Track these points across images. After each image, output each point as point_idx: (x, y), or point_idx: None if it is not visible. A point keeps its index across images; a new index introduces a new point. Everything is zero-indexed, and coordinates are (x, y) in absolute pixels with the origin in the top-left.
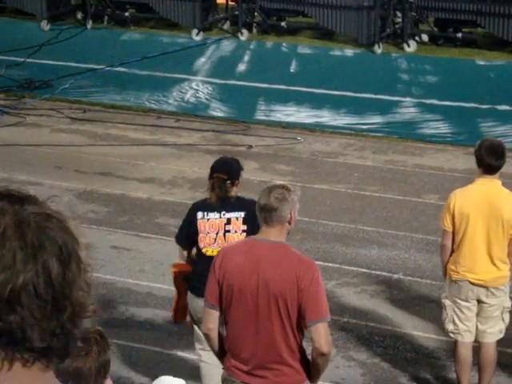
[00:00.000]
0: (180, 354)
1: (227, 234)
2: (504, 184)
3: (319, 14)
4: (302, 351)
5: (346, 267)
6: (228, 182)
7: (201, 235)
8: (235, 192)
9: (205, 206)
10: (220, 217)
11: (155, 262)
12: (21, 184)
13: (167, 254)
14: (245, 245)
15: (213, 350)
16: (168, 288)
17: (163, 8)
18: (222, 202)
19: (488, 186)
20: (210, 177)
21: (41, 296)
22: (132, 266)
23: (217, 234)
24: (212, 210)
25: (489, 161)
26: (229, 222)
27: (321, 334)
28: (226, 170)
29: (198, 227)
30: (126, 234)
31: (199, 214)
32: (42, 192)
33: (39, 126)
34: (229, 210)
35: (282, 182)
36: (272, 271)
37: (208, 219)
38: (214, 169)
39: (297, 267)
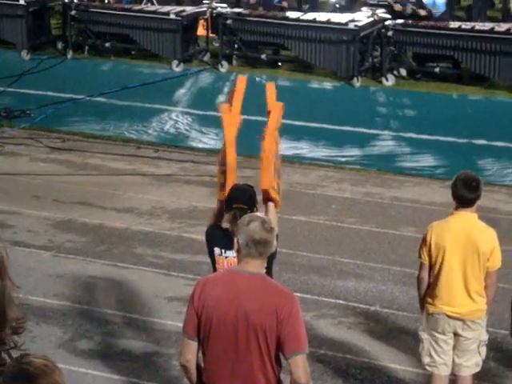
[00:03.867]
0: None
1: None
2: (481, 217)
3: (299, 47)
4: (280, 383)
5: (324, 299)
6: (248, 211)
7: (219, 270)
8: None
9: (222, 241)
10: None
11: (133, 292)
12: None
13: (145, 285)
14: (224, 276)
15: (191, 382)
16: (145, 319)
17: (144, 39)
18: None
19: (464, 219)
20: (230, 207)
21: None
22: (109, 296)
23: None
24: (230, 248)
25: (462, 193)
26: None
27: (299, 366)
28: (245, 199)
29: (216, 261)
30: (104, 263)
31: (216, 250)
32: (20, 221)
33: (18, 155)
34: None
35: (259, 214)
36: (251, 303)
37: (226, 257)
38: (234, 199)
39: (276, 299)
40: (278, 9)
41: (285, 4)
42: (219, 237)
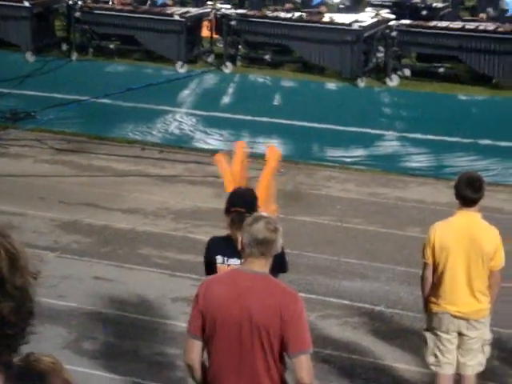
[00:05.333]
0: None
1: None
2: (485, 217)
3: (303, 48)
4: (285, 383)
5: (329, 299)
6: (247, 215)
7: None
8: None
9: (224, 249)
10: (241, 262)
11: (138, 293)
12: (4, 214)
13: (150, 285)
14: (229, 276)
15: (196, 381)
16: (150, 319)
17: (148, 40)
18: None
19: (467, 219)
20: (228, 211)
21: (17, 286)
22: (114, 297)
23: None
24: (232, 255)
25: (465, 193)
26: None
27: (303, 366)
28: (243, 203)
29: (218, 271)
30: (109, 264)
31: (219, 258)
32: (25, 222)
33: (23, 157)
34: None
35: (264, 214)
36: (255, 303)
37: (229, 265)
38: (231, 203)
39: (280, 298)
40: (316, 13)
41: (323, 9)
42: (221, 244)
